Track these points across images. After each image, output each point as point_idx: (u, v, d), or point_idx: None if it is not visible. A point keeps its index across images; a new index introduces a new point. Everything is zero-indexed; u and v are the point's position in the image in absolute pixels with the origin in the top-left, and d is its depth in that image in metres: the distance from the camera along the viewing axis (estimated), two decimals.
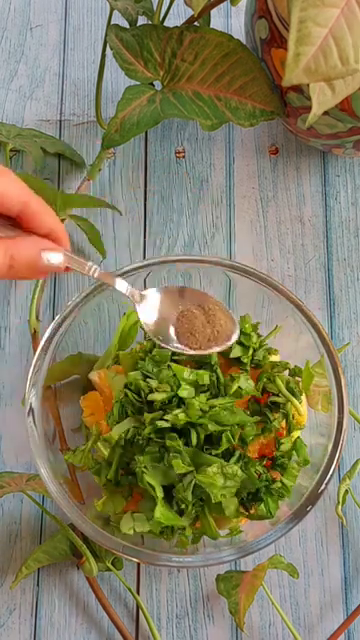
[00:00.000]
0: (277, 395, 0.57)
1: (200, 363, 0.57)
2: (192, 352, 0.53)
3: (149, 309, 0.54)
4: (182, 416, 0.52)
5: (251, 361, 0.58)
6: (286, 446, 0.57)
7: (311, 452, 0.58)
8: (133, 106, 0.62)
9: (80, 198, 0.68)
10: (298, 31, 0.43)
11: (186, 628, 0.62)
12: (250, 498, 0.55)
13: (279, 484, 0.56)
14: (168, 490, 0.54)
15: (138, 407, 0.55)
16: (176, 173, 0.73)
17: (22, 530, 0.64)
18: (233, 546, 0.55)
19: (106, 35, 0.63)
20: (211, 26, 0.66)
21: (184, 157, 0.73)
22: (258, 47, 0.62)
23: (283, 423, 0.58)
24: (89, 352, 0.62)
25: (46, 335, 0.57)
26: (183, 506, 0.53)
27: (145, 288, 0.64)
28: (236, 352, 0.57)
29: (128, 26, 0.64)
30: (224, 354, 0.57)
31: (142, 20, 0.65)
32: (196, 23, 0.65)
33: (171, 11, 0.69)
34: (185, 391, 0.53)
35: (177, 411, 0.53)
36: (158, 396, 0.53)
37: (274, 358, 0.60)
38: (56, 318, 0.57)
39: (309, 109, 0.48)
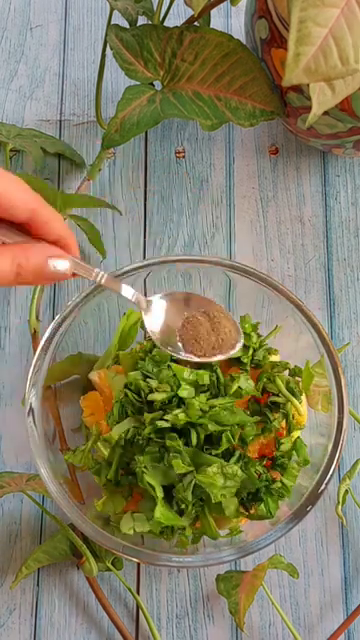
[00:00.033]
0: (277, 395, 0.57)
1: (200, 363, 0.57)
2: (197, 359, 0.54)
3: (155, 315, 0.54)
4: (182, 416, 0.52)
5: (251, 361, 0.58)
6: (286, 446, 0.57)
7: (311, 452, 0.58)
8: (133, 106, 0.62)
9: (80, 198, 0.68)
10: (298, 31, 0.43)
11: (186, 628, 0.62)
12: (250, 498, 0.55)
13: (279, 484, 0.56)
14: (168, 490, 0.54)
15: (138, 407, 0.55)
16: (176, 173, 0.73)
17: (22, 530, 0.64)
18: (233, 546, 0.55)
19: (106, 35, 0.63)
20: (211, 26, 0.66)
21: (184, 157, 0.73)
22: (258, 47, 0.62)
23: (283, 423, 0.58)
24: (89, 352, 0.62)
25: (46, 335, 0.57)
26: (183, 506, 0.53)
27: (145, 288, 0.64)
28: (236, 352, 0.57)
29: (128, 26, 0.64)
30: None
31: (142, 20, 0.65)
32: (196, 23, 0.65)
33: (171, 11, 0.69)
34: (185, 391, 0.53)
35: (177, 411, 0.53)
36: (158, 396, 0.53)
37: (274, 358, 0.60)
38: (56, 318, 0.57)
39: (309, 109, 0.48)
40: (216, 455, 0.53)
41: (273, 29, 0.58)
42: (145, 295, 0.57)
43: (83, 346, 0.62)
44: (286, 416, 0.57)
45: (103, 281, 0.50)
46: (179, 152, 0.73)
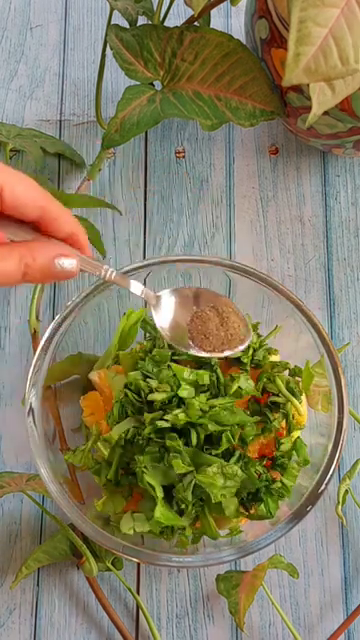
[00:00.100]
0: (277, 395, 0.57)
1: (200, 363, 0.57)
2: (206, 355, 0.54)
3: (164, 311, 0.54)
4: (182, 416, 0.52)
5: (251, 361, 0.58)
6: (286, 446, 0.57)
7: (311, 452, 0.58)
8: (133, 106, 0.62)
9: (80, 198, 0.68)
10: (298, 31, 0.43)
11: (186, 628, 0.62)
12: (250, 498, 0.55)
13: (279, 484, 0.56)
14: (168, 490, 0.54)
15: (138, 407, 0.55)
16: (176, 173, 0.73)
17: (22, 530, 0.64)
18: (233, 546, 0.55)
19: (106, 35, 0.63)
20: (211, 26, 0.66)
21: (184, 157, 0.73)
22: (258, 47, 0.62)
23: (283, 423, 0.58)
24: (89, 352, 0.62)
25: (46, 335, 0.57)
26: (183, 506, 0.53)
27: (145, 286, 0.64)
28: (235, 352, 0.57)
29: (128, 26, 0.64)
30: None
31: (142, 20, 0.65)
32: (196, 23, 0.65)
33: (171, 11, 0.69)
34: (185, 391, 0.53)
35: (177, 411, 0.53)
36: (158, 396, 0.53)
37: (274, 358, 0.60)
38: (56, 318, 0.57)
39: (309, 109, 0.48)
40: (216, 455, 0.53)
41: (273, 29, 0.58)
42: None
43: (83, 346, 0.62)
44: (286, 416, 0.57)
45: (112, 277, 0.50)
46: (179, 152, 0.73)
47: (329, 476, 0.54)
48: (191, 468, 0.52)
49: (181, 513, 0.53)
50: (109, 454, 0.55)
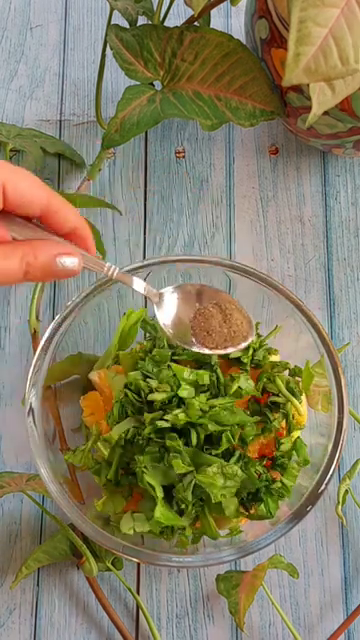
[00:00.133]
0: (277, 395, 0.57)
1: (200, 363, 0.57)
2: (208, 352, 0.53)
3: (166, 308, 0.54)
4: (182, 416, 0.52)
5: (251, 361, 0.58)
6: (286, 446, 0.57)
7: (311, 452, 0.58)
8: (133, 106, 0.62)
9: (80, 198, 0.68)
10: (298, 31, 0.43)
11: (186, 628, 0.62)
12: (250, 498, 0.55)
13: (279, 484, 0.56)
14: (168, 490, 0.54)
15: (138, 407, 0.55)
16: (176, 173, 0.73)
17: (22, 530, 0.64)
18: (233, 546, 0.55)
19: (106, 35, 0.63)
20: (211, 26, 0.66)
21: (184, 157, 0.73)
22: (258, 47, 0.62)
23: (283, 423, 0.58)
24: (89, 352, 0.62)
25: (46, 335, 0.57)
26: (183, 506, 0.53)
27: None
28: (236, 352, 0.57)
29: (128, 26, 0.64)
30: (224, 355, 0.57)
31: (142, 20, 0.65)
32: (196, 23, 0.65)
33: (171, 11, 0.69)
34: (185, 391, 0.53)
35: (177, 411, 0.53)
36: (158, 396, 0.53)
37: (274, 358, 0.60)
38: (56, 318, 0.57)
39: (309, 109, 0.48)
40: (216, 455, 0.53)
41: (273, 29, 0.58)
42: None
43: (83, 346, 0.62)
44: (286, 416, 0.57)
45: (115, 275, 0.50)
46: (179, 152, 0.73)
47: (329, 476, 0.54)
48: (191, 468, 0.52)
49: (181, 513, 0.53)
50: (109, 454, 0.55)
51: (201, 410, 0.53)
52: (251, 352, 0.58)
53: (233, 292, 0.62)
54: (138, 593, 0.63)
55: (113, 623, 0.61)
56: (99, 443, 0.56)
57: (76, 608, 0.63)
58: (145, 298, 0.64)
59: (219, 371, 0.56)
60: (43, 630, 0.63)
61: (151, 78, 0.64)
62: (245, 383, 0.55)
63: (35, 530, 0.64)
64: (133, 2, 0.66)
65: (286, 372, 0.60)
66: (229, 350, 0.54)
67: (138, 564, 0.63)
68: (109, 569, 0.61)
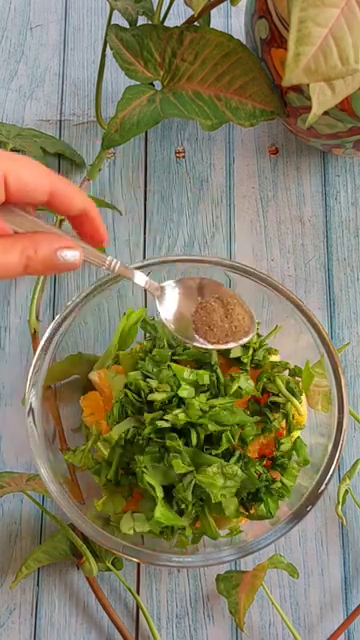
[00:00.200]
0: (277, 395, 0.57)
1: (200, 363, 0.57)
2: (210, 346, 0.53)
3: (168, 302, 0.54)
4: (182, 416, 0.52)
5: (251, 361, 0.58)
6: (286, 446, 0.57)
7: (311, 452, 0.58)
8: (133, 106, 0.62)
9: None
10: (298, 31, 0.43)
11: (186, 628, 0.62)
12: (250, 498, 0.55)
13: (279, 484, 0.56)
14: (168, 490, 0.54)
15: (138, 407, 0.55)
16: (176, 173, 0.73)
17: (22, 530, 0.64)
18: (233, 546, 0.55)
19: (106, 35, 0.63)
20: (211, 26, 0.66)
21: (184, 157, 0.73)
22: (258, 47, 0.62)
23: (283, 423, 0.58)
24: (89, 352, 0.62)
25: (46, 335, 0.57)
26: (183, 506, 0.53)
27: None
28: (236, 352, 0.57)
29: (128, 26, 0.64)
30: (224, 354, 0.57)
31: (142, 20, 0.65)
32: (196, 23, 0.65)
33: (171, 11, 0.69)
34: (185, 391, 0.53)
35: (177, 411, 0.53)
36: (158, 396, 0.53)
37: (274, 358, 0.60)
38: (56, 318, 0.57)
39: (309, 109, 0.48)
40: (216, 455, 0.53)
41: (273, 29, 0.58)
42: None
43: (83, 346, 0.62)
44: (286, 416, 0.57)
45: (117, 269, 0.50)
46: (179, 152, 0.73)
47: (329, 476, 0.54)
48: (191, 468, 0.52)
49: (181, 513, 0.53)
50: (109, 454, 0.55)
51: (201, 410, 0.53)
52: (251, 352, 0.58)
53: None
54: (138, 593, 0.63)
55: (113, 623, 0.61)
56: (99, 443, 0.56)
57: (76, 608, 0.63)
58: (145, 298, 0.64)
59: (219, 371, 0.56)
60: (43, 630, 0.63)
61: (151, 78, 0.64)
62: (245, 383, 0.55)
63: (35, 530, 0.64)
64: (133, 2, 0.66)
65: (286, 372, 0.60)
66: (230, 345, 0.54)
67: (138, 564, 0.63)
68: (109, 569, 0.61)
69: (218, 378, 0.55)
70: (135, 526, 0.54)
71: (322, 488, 0.54)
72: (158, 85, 0.65)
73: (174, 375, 0.54)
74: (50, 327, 0.57)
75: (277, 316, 0.60)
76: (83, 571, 0.60)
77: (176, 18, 0.75)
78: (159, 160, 0.73)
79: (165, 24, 0.64)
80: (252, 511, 0.55)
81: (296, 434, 0.58)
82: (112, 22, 0.64)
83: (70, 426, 0.61)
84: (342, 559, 0.64)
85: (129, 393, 0.55)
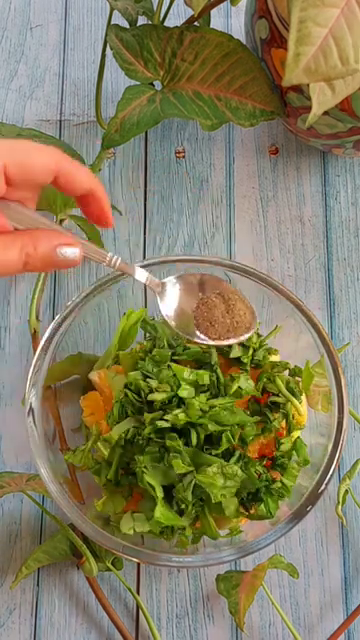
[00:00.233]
0: (277, 395, 0.57)
1: (200, 363, 0.57)
2: (211, 342, 0.53)
3: (169, 298, 0.53)
4: (182, 416, 0.52)
5: (251, 361, 0.58)
6: (286, 446, 0.57)
7: (311, 452, 0.58)
8: (133, 106, 0.62)
9: None
10: (298, 31, 0.43)
11: (186, 628, 0.62)
12: (250, 498, 0.55)
13: (279, 484, 0.56)
14: (168, 490, 0.54)
15: (138, 407, 0.55)
16: (176, 173, 0.73)
17: (22, 530, 0.64)
18: (233, 546, 0.55)
19: (106, 35, 0.63)
20: (211, 26, 0.66)
21: (184, 157, 0.73)
22: (258, 47, 0.62)
23: (283, 423, 0.58)
24: (89, 352, 0.62)
25: (46, 335, 0.57)
26: (183, 506, 0.53)
27: (145, 288, 0.64)
28: (236, 352, 0.57)
29: (128, 26, 0.64)
30: (224, 354, 0.57)
31: (142, 20, 0.66)
32: (196, 23, 0.65)
33: (171, 11, 0.69)
34: (185, 391, 0.53)
35: (177, 411, 0.53)
36: (158, 396, 0.53)
37: (274, 358, 0.60)
38: (56, 318, 0.57)
39: (309, 109, 0.48)
40: (216, 455, 0.53)
41: (273, 29, 0.58)
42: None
43: (83, 346, 0.62)
44: (286, 416, 0.57)
45: (117, 265, 0.49)
46: (179, 152, 0.73)
47: (329, 476, 0.54)
48: (191, 468, 0.52)
49: (181, 513, 0.53)
50: (109, 454, 0.55)
51: (201, 410, 0.53)
52: (251, 352, 0.58)
53: None
54: (138, 593, 0.63)
55: (113, 623, 0.61)
56: (99, 443, 0.56)
57: (76, 608, 0.63)
58: (145, 298, 0.64)
59: (219, 371, 0.56)
60: (43, 630, 0.63)
61: (151, 78, 0.64)
62: (245, 383, 0.55)
63: (35, 530, 0.64)
64: (133, 2, 0.66)
65: (286, 372, 0.60)
66: (231, 341, 0.54)
67: (138, 564, 0.63)
68: (109, 569, 0.61)
69: (218, 378, 0.55)
70: (135, 526, 0.54)
71: (322, 488, 0.54)
72: (158, 85, 0.65)
73: (174, 375, 0.54)
74: (50, 327, 0.57)
75: (277, 316, 0.60)
76: (83, 571, 0.60)
77: (176, 18, 0.75)
78: (159, 160, 0.73)
79: (165, 24, 0.64)
80: (252, 511, 0.55)
81: (296, 434, 0.58)
82: (112, 22, 0.64)
83: (70, 426, 0.61)
84: (342, 559, 0.64)
85: (129, 393, 0.55)
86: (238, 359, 0.57)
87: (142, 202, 0.72)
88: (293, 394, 0.57)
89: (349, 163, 0.73)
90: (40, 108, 0.75)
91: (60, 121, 0.74)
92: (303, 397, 0.59)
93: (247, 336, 0.54)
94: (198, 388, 0.54)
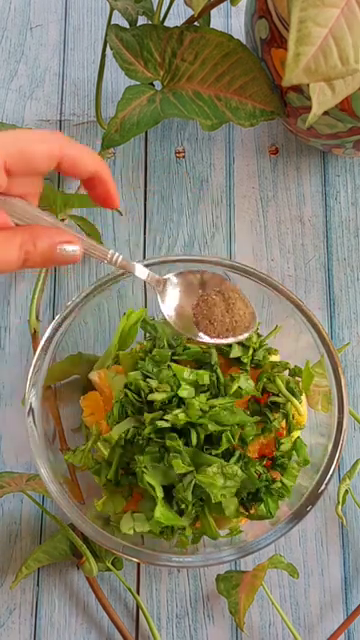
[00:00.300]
0: (277, 395, 0.57)
1: (200, 363, 0.57)
2: (210, 340, 0.53)
3: (169, 295, 0.53)
4: (182, 416, 0.52)
5: (251, 361, 0.58)
6: (286, 446, 0.57)
7: (311, 452, 0.58)
8: (133, 106, 0.62)
9: (80, 198, 0.68)
10: (298, 31, 0.43)
11: (186, 628, 0.62)
12: (250, 498, 0.55)
13: (279, 484, 0.56)
14: (168, 490, 0.54)
15: (138, 407, 0.55)
16: (176, 173, 0.73)
17: (22, 530, 0.64)
18: (233, 546, 0.55)
19: (106, 35, 0.63)
20: (211, 26, 0.66)
21: (184, 157, 0.73)
22: (258, 47, 0.62)
23: (283, 423, 0.58)
24: (89, 352, 0.62)
25: (46, 335, 0.57)
26: (183, 506, 0.53)
27: (145, 288, 0.64)
28: (236, 352, 0.57)
29: (128, 26, 0.64)
30: (224, 354, 0.57)
31: (142, 20, 0.66)
32: (196, 23, 0.65)
33: (171, 11, 0.69)
34: (185, 391, 0.53)
35: (177, 411, 0.53)
36: (158, 396, 0.53)
37: (274, 358, 0.60)
38: (56, 318, 0.57)
39: (309, 109, 0.48)
40: (216, 455, 0.53)
41: (273, 29, 0.58)
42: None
43: (83, 346, 0.62)
44: (286, 416, 0.57)
45: (118, 262, 0.49)
46: (179, 152, 0.73)
47: (329, 476, 0.54)
48: (191, 468, 0.52)
49: (181, 513, 0.53)
50: (109, 454, 0.55)
51: (201, 410, 0.53)
52: (251, 352, 0.58)
53: None
54: (138, 593, 0.63)
55: (113, 623, 0.61)
56: (99, 443, 0.56)
57: (76, 608, 0.63)
58: (145, 298, 0.64)
59: (219, 371, 0.56)
60: (43, 630, 0.63)
61: (151, 78, 0.64)
62: (245, 383, 0.55)
63: (35, 530, 0.64)
64: (133, 2, 0.66)
65: (286, 372, 0.60)
66: (230, 340, 0.54)
67: (138, 564, 0.63)
68: (109, 569, 0.61)
69: (218, 378, 0.55)
70: (135, 526, 0.54)
71: (322, 488, 0.54)
72: (158, 85, 0.65)
73: (174, 375, 0.54)
74: (50, 327, 0.57)
75: (277, 316, 0.60)
76: (83, 571, 0.60)
77: (176, 18, 0.75)
78: (159, 160, 0.73)
79: (165, 24, 0.64)
80: (252, 511, 0.55)
81: (296, 434, 0.58)
82: (112, 22, 0.64)
83: (70, 426, 0.61)
84: (342, 559, 0.64)
85: (129, 393, 0.55)
86: (238, 359, 0.58)
87: (142, 202, 0.72)
88: (293, 394, 0.57)
89: (349, 163, 0.73)
90: (40, 108, 0.75)
91: (60, 121, 0.74)
92: (303, 397, 0.59)
93: (246, 335, 0.54)
94: (198, 388, 0.54)
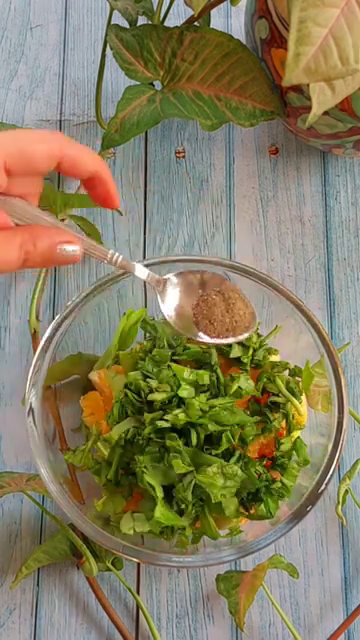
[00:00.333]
0: (277, 395, 0.57)
1: (200, 363, 0.57)
2: (210, 340, 0.53)
3: (169, 295, 0.53)
4: (182, 416, 0.52)
5: (251, 361, 0.58)
6: (286, 446, 0.57)
7: (311, 452, 0.58)
8: (133, 106, 0.62)
9: (80, 198, 0.68)
10: (298, 31, 0.43)
11: (186, 628, 0.62)
12: (250, 498, 0.55)
13: (279, 484, 0.56)
14: (168, 490, 0.54)
15: (138, 407, 0.55)
16: (176, 173, 0.73)
17: (22, 530, 0.64)
18: (233, 546, 0.55)
19: (106, 35, 0.63)
20: (211, 26, 0.66)
21: (184, 157, 0.73)
22: (258, 47, 0.62)
23: (283, 423, 0.58)
24: (89, 352, 0.62)
25: (46, 335, 0.57)
26: (183, 506, 0.53)
27: (145, 288, 0.64)
28: (236, 352, 0.57)
29: (128, 26, 0.64)
30: (224, 354, 0.57)
31: (142, 20, 0.66)
32: (196, 23, 0.65)
33: (171, 11, 0.69)
34: (185, 391, 0.53)
35: (177, 411, 0.53)
36: (158, 396, 0.53)
37: (274, 358, 0.60)
38: (56, 318, 0.57)
39: (309, 109, 0.48)
40: (216, 455, 0.53)
41: (273, 29, 0.58)
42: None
43: (83, 346, 0.62)
44: (286, 416, 0.57)
45: (118, 262, 0.49)
46: (179, 152, 0.73)
47: (329, 476, 0.54)
48: (191, 468, 0.52)
49: (181, 513, 0.53)
50: (109, 454, 0.55)
51: (201, 410, 0.53)
52: (251, 352, 0.58)
53: None
54: (138, 593, 0.63)
55: (113, 623, 0.61)
56: (99, 443, 0.56)
57: (76, 608, 0.63)
58: (145, 298, 0.64)
59: (219, 371, 0.56)
60: (43, 630, 0.63)
61: (151, 78, 0.64)
62: (245, 383, 0.55)
63: (35, 530, 0.64)
64: (133, 2, 0.66)
65: (286, 372, 0.60)
66: (230, 340, 0.54)
67: (138, 564, 0.63)
68: (109, 569, 0.61)
69: (218, 378, 0.55)
70: (135, 526, 0.54)
71: (322, 488, 0.54)
72: (158, 85, 0.65)
73: (174, 375, 0.54)
74: (50, 327, 0.57)
75: (277, 316, 0.60)
76: (83, 571, 0.60)
77: (176, 18, 0.75)
78: (159, 160, 0.73)
79: (165, 24, 0.64)
80: (252, 511, 0.55)
81: (296, 434, 0.58)
82: (112, 22, 0.64)
83: (70, 426, 0.61)
84: (342, 559, 0.64)
85: (129, 393, 0.55)
86: (238, 359, 0.58)
87: (142, 202, 0.72)
88: (293, 394, 0.57)
89: (349, 163, 0.73)
90: (40, 108, 0.75)
91: (60, 121, 0.74)
92: (303, 397, 0.59)
93: (246, 335, 0.54)
94: (198, 388, 0.54)
